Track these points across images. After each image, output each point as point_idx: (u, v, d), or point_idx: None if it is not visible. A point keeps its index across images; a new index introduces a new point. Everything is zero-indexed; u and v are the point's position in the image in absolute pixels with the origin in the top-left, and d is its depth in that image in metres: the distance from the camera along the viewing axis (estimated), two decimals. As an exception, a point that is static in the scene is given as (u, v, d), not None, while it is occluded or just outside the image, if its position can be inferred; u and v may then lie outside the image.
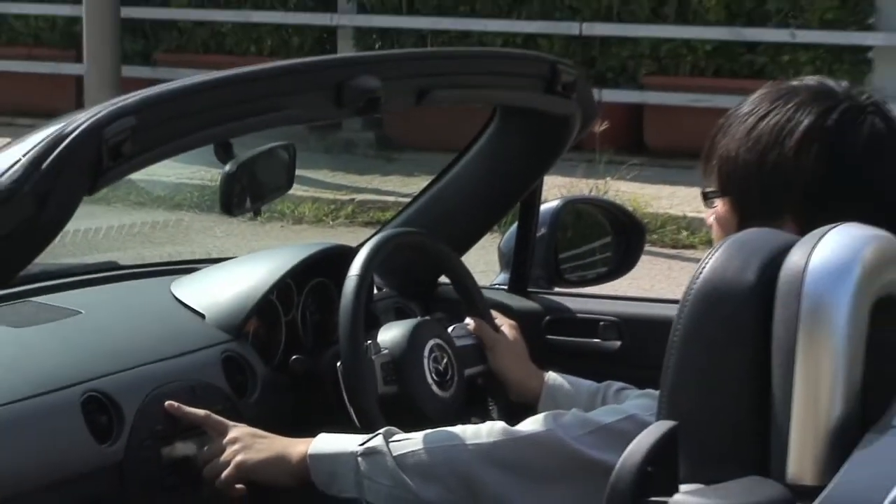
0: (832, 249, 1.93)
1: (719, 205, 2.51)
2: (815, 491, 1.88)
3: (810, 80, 2.62)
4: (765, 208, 2.41)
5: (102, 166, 2.30)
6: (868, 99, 2.57)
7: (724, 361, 1.95)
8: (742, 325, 1.95)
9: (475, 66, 3.18)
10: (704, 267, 2.02)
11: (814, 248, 1.94)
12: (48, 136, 2.27)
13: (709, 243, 2.60)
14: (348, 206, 10.37)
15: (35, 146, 2.26)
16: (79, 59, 12.57)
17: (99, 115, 2.32)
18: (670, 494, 1.88)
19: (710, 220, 2.56)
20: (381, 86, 2.74)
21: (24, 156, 2.25)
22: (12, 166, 2.23)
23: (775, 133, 2.43)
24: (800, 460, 1.90)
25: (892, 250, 2.00)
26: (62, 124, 2.30)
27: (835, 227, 1.98)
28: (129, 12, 12.60)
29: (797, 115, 2.47)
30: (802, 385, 1.89)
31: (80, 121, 2.30)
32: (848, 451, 1.91)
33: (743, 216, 2.44)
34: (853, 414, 1.91)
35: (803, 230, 2.03)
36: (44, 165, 2.23)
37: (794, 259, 1.93)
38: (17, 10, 14.07)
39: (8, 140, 2.47)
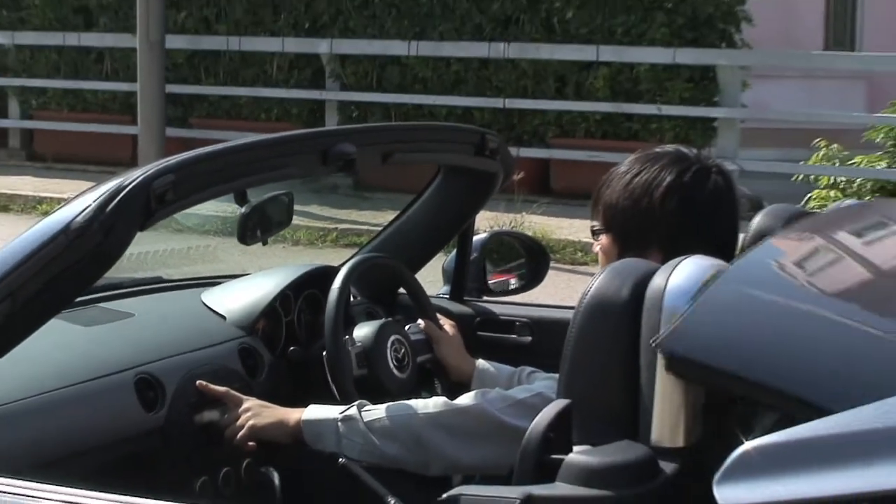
0: (684, 274, 1.94)
1: (603, 238, 2.54)
2: (672, 450, 1.89)
3: (670, 147, 2.65)
4: (637, 243, 2.44)
5: (151, 210, 2.31)
6: (713, 162, 2.60)
7: (606, 355, 1.95)
8: (619, 329, 1.96)
9: (425, 136, 3.19)
10: (592, 286, 2.02)
11: (671, 273, 1.95)
12: (111, 188, 2.28)
13: (597, 262, 2.60)
14: (333, 233, 10.36)
15: (102, 194, 2.26)
16: (134, 123, 12.51)
17: (148, 173, 2.32)
18: (566, 453, 1.88)
19: (597, 249, 2.58)
20: (355, 151, 2.76)
21: (94, 202, 2.25)
22: (85, 209, 2.24)
23: (645, 187, 2.46)
24: (660, 428, 1.90)
25: None
26: (122, 179, 2.30)
27: (686, 257, 1.98)
28: (171, 88, 12.54)
29: (662, 173, 2.49)
30: (662, 373, 1.89)
31: (134, 176, 2.30)
32: (698, 420, 1.92)
33: (621, 248, 2.47)
34: (698, 394, 1.92)
35: (664, 259, 2.03)
36: (108, 209, 2.23)
37: (657, 281, 1.93)
38: (89, 87, 13.99)
39: (89, 183, 2.48)
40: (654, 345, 1.86)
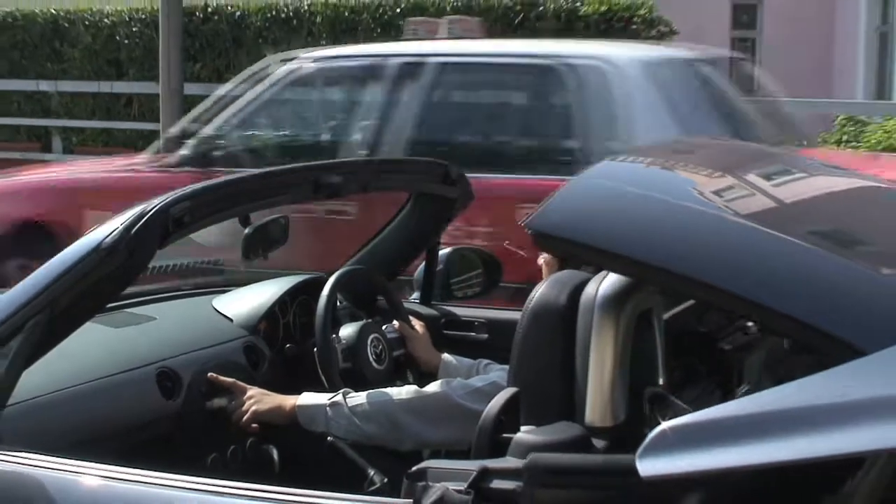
0: (610, 282, 1.95)
1: (545, 254, 2.52)
2: (602, 429, 1.90)
3: None
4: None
5: (169, 231, 2.30)
6: None
7: (548, 351, 1.96)
8: (558, 329, 1.97)
9: (398, 168, 3.20)
10: (536, 293, 2.03)
11: (601, 282, 1.96)
12: (136, 213, 2.27)
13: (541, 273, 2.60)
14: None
15: (128, 219, 2.26)
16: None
17: (167, 200, 2.32)
18: (515, 433, 1.89)
19: (541, 262, 2.56)
20: (340, 181, 2.76)
21: (121, 225, 2.25)
22: (113, 231, 2.24)
23: None
24: (593, 411, 1.91)
25: None
26: (144, 205, 2.30)
27: None
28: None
29: None
30: (594, 365, 1.90)
31: (155, 203, 2.30)
32: (622, 405, 1.93)
33: (560, 262, 2.45)
34: (625, 381, 1.93)
35: (595, 271, 2.04)
36: (133, 231, 2.23)
37: (589, 289, 1.94)
38: (119, 126, 13.94)
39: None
40: (522, 224, 1.92)
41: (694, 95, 5.98)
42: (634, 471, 1.50)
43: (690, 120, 5.55)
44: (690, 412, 1.59)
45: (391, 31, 12.56)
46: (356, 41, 12.67)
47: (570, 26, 11.92)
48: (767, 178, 2.38)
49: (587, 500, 1.79)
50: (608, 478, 1.75)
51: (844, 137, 12.42)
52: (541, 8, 12.05)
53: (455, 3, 12.35)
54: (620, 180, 2.22)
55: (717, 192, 2.19)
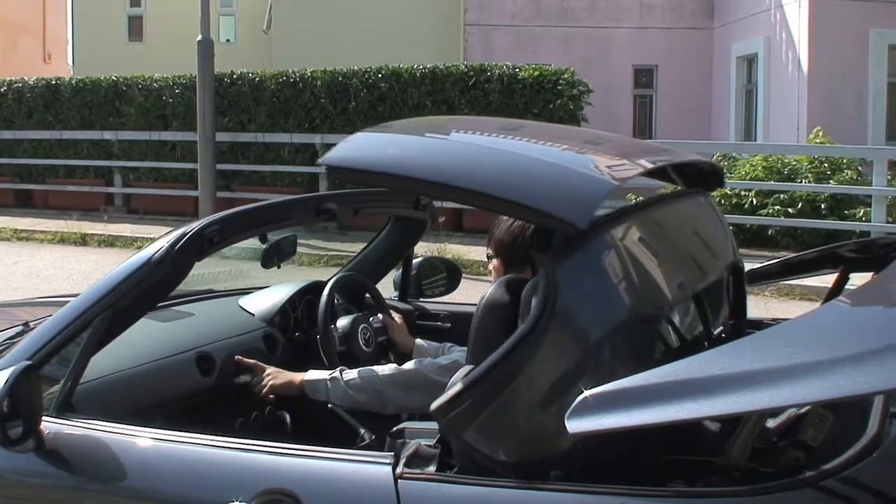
0: (542, 286, 1.95)
1: (494, 261, 2.49)
2: None
3: None
4: (516, 265, 2.40)
5: (204, 248, 2.28)
6: None
7: (496, 337, 1.95)
8: (502, 320, 1.95)
9: (381, 198, 3.18)
10: (487, 293, 2.02)
11: (536, 286, 1.95)
12: (178, 234, 2.25)
13: (491, 277, 2.59)
14: (325, 257, 10.27)
15: (172, 238, 2.24)
16: (195, 188, 12.41)
17: (202, 224, 2.30)
18: None
19: (490, 268, 2.55)
20: (336, 207, 2.75)
21: (167, 243, 2.23)
22: (161, 248, 2.22)
23: (521, 227, 2.42)
24: None
25: None
26: (185, 228, 2.28)
27: None
28: (220, 167, 12.48)
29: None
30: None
31: (193, 226, 2.28)
32: None
33: (506, 268, 2.43)
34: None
35: (533, 275, 2.04)
36: (176, 247, 2.21)
37: (528, 289, 1.94)
38: (166, 166, 13.84)
39: (166, 229, 2.45)
40: (318, 162, 2.06)
41: None
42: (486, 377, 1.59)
43: None
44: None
45: (374, 91, 12.57)
46: (348, 100, 12.69)
47: (510, 88, 11.95)
48: (502, 125, 2.55)
49: (472, 411, 1.76)
50: (471, 390, 1.74)
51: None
52: (488, 73, 12.07)
53: (423, 70, 12.35)
54: (383, 129, 2.29)
55: (461, 130, 2.35)
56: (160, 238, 2.27)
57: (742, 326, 2.37)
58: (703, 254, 2.24)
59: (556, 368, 1.73)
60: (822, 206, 10.76)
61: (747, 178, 11.41)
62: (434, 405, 1.78)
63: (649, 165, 2.17)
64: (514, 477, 1.71)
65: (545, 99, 11.91)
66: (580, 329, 1.76)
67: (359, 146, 2.06)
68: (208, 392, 2.72)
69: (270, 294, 3.28)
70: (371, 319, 3.11)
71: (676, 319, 1.94)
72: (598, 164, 2.04)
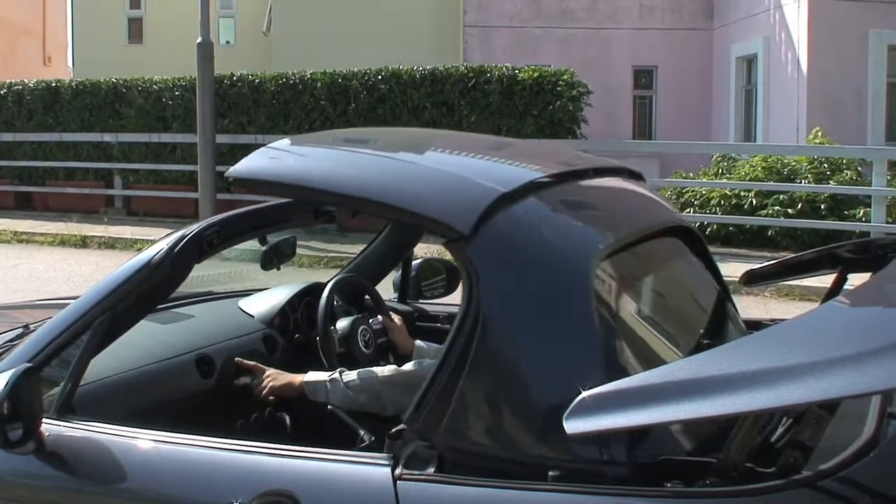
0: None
1: None
2: None
3: None
4: None
5: (204, 249, 2.29)
6: None
7: None
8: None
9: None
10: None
11: None
12: (178, 236, 2.26)
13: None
14: (324, 259, 10.27)
15: (171, 241, 2.24)
16: (195, 190, 12.40)
17: (202, 226, 2.30)
18: None
19: None
20: (335, 209, 2.75)
21: (167, 245, 2.23)
22: (161, 250, 2.22)
23: None
24: None
25: None
26: (185, 230, 2.28)
27: None
28: (219, 168, 12.42)
29: None
30: None
31: (193, 228, 2.28)
32: None
33: None
34: None
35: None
36: (176, 249, 2.21)
37: None
38: (166, 168, 13.85)
39: (167, 230, 2.46)
40: (226, 175, 2.12)
41: None
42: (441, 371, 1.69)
43: None
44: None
45: (374, 93, 12.58)
46: (347, 102, 12.69)
47: (510, 89, 11.96)
48: (413, 136, 2.62)
49: (438, 408, 1.81)
50: (432, 388, 1.81)
51: (720, 170, 12.52)
52: (488, 75, 12.07)
53: (423, 71, 12.36)
54: (284, 146, 2.32)
55: (356, 143, 2.41)
56: (160, 240, 2.28)
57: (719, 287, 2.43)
58: (628, 216, 2.22)
59: (498, 349, 1.77)
60: (822, 206, 10.77)
61: (747, 178, 11.42)
62: (405, 416, 1.83)
63: (554, 170, 2.14)
64: (503, 468, 1.72)
65: (545, 100, 11.92)
66: (506, 305, 1.79)
67: (261, 158, 2.14)
68: (208, 394, 2.72)
69: (270, 296, 3.28)
70: (370, 321, 3.10)
71: (604, 282, 1.92)
72: (492, 171, 2.07)
